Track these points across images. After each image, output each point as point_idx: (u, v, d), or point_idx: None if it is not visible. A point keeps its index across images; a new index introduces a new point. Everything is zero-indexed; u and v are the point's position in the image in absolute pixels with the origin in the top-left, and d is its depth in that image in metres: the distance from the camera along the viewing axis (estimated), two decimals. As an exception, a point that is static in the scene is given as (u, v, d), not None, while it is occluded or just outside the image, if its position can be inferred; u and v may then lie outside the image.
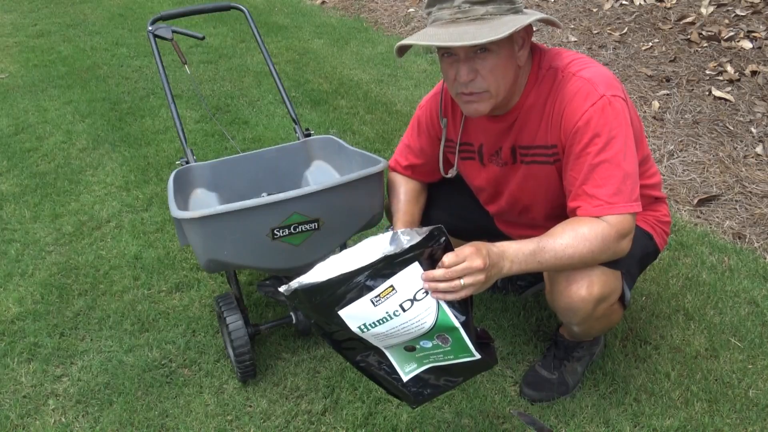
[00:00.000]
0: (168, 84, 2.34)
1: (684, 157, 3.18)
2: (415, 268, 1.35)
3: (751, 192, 2.87)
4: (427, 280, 1.35)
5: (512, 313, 2.24)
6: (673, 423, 1.79)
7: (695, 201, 2.85)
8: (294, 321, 2.06)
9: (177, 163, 2.34)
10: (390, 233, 1.40)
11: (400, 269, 1.35)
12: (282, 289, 1.42)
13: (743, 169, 3.03)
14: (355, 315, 1.38)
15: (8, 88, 4.68)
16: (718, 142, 3.25)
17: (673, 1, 4.64)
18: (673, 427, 1.78)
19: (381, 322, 1.38)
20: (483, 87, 1.53)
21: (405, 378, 1.51)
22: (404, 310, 1.37)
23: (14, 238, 2.85)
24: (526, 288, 2.31)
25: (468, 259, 1.35)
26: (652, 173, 1.79)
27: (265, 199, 1.67)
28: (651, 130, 3.43)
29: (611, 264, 1.58)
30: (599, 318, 1.66)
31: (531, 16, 1.49)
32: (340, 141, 2.24)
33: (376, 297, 1.35)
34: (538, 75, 1.61)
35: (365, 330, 1.40)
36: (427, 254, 1.36)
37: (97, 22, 6.36)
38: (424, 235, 1.35)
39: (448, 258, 1.35)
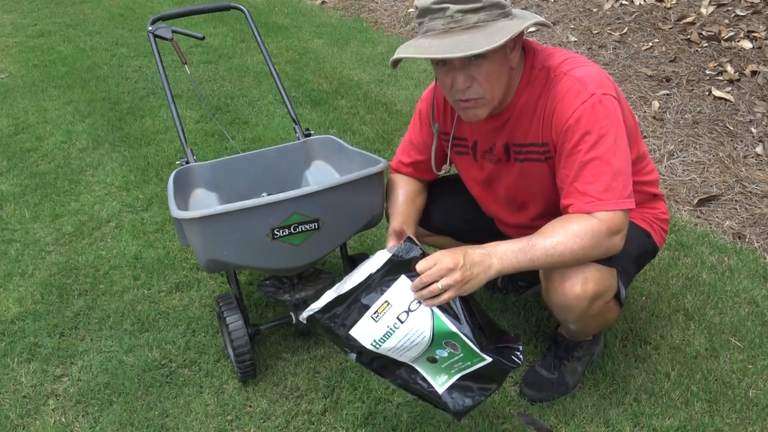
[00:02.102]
0: (168, 84, 2.34)
1: (684, 157, 3.18)
2: (404, 281, 1.48)
3: (751, 192, 2.87)
4: (413, 290, 1.46)
5: (512, 313, 2.24)
6: (673, 423, 1.79)
7: (695, 201, 2.85)
8: (294, 321, 2.06)
9: (177, 163, 2.34)
10: (379, 252, 1.54)
11: (390, 284, 1.48)
12: (302, 317, 1.58)
13: (743, 169, 3.03)
14: (365, 333, 1.49)
15: (8, 88, 4.69)
16: (718, 142, 3.25)
17: (673, 1, 4.64)
18: (673, 427, 1.78)
19: (387, 336, 1.48)
20: (479, 93, 1.54)
21: (440, 390, 1.56)
22: (402, 322, 1.47)
23: (14, 238, 2.85)
24: (527, 288, 2.31)
25: (438, 262, 1.44)
26: (649, 170, 1.79)
27: (265, 199, 1.67)
28: (651, 130, 3.43)
29: (606, 261, 1.58)
30: (595, 315, 1.67)
31: (524, 21, 1.49)
32: (340, 141, 2.24)
33: (374, 313, 1.48)
34: (531, 74, 1.61)
35: (378, 346, 1.49)
36: (413, 266, 1.47)
37: (97, 22, 6.37)
38: (393, 251, 1.50)
39: (419, 265, 1.45)
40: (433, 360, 1.53)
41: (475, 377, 1.53)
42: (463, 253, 1.46)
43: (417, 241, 1.53)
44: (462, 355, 1.49)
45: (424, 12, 1.48)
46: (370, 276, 1.49)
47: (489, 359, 1.48)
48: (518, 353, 1.53)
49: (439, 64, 1.54)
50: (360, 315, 1.49)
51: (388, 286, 1.48)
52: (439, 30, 1.47)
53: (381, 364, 1.57)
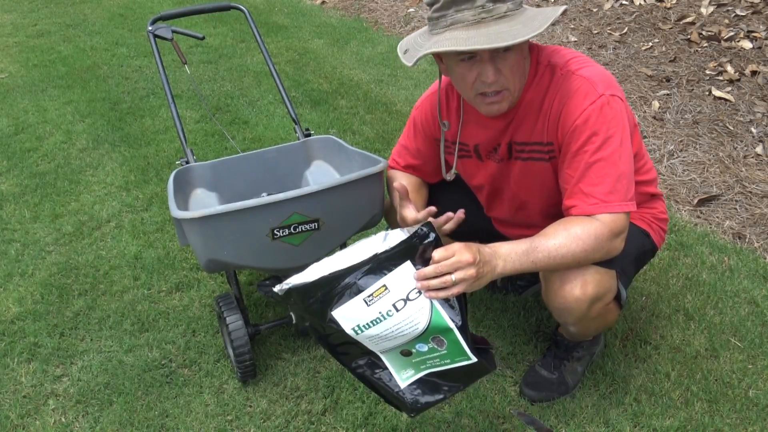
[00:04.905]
0: (168, 84, 2.34)
1: (684, 157, 3.18)
2: (407, 267, 1.37)
3: (751, 192, 2.87)
4: (419, 278, 1.36)
5: (512, 313, 2.24)
6: (673, 423, 1.79)
7: (695, 201, 2.85)
8: (294, 321, 2.06)
9: (177, 163, 2.34)
10: (382, 233, 1.42)
11: (392, 268, 1.36)
12: (276, 289, 1.43)
13: (743, 169, 3.03)
14: (349, 316, 1.38)
15: (8, 88, 4.68)
16: (718, 142, 3.25)
17: (673, 1, 4.64)
18: (673, 427, 1.78)
19: (375, 322, 1.38)
20: (505, 85, 1.52)
21: (402, 384, 1.50)
22: (397, 310, 1.37)
23: (14, 238, 2.85)
24: (526, 288, 2.31)
25: (457, 254, 1.36)
26: (647, 169, 1.79)
27: (265, 199, 1.67)
28: (651, 130, 3.43)
29: (605, 263, 1.58)
30: (595, 318, 1.66)
31: (556, 8, 1.49)
32: (340, 141, 2.24)
33: (369, 296, 1.36)
34: (537, 70, 1.61)
35: (359, 332, 1.40)
36: (420, 253, 1.37)
37: (97, 22, 6.36)
38: (411, 232, 1.37)
39: (437, 253, 1.36)
40: (407, 353, 1.45)
41: (445, 375, 1.48)
42: (477, 248, 1.41)
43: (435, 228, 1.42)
44: (445, 352, 1.43)
45: (448, 4, 1.43)
46: (375, 256, 1.36)
47: (474, 359, 1.43)
48: (492, 355, 1.50)
49: (465, 58, 1.50)
50: (350, 296, 1.37)
51: (390, 270, 1.36)
52: (470, 21, 1.42)
53: (345, 350, 1.47)
